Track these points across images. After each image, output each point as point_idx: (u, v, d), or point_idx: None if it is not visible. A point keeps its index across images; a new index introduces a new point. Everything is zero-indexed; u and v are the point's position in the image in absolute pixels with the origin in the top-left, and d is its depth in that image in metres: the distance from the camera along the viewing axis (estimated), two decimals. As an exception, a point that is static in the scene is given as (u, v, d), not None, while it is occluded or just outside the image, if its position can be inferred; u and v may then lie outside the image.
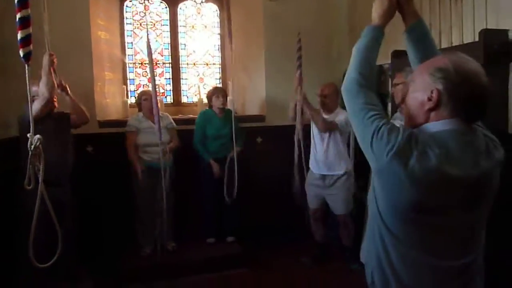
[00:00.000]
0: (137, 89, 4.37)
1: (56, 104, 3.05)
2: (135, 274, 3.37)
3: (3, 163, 3.03)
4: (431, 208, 1.21)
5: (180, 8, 4.51)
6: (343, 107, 2.59)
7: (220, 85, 4.50)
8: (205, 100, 4.07)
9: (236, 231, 3.87)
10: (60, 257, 1.87)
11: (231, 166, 3.67)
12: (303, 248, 3.83)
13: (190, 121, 3.96)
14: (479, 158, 1.21)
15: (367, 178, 2.86)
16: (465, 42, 2.78)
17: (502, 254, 2.20)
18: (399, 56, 3.11)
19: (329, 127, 3.43)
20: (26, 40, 1.58)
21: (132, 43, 4.38)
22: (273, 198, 3.97)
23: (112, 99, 4.15)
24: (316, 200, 3.65)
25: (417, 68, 1.34)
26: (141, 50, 4.38)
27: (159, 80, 4.49)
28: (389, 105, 3.61)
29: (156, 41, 4.46)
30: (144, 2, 4.35)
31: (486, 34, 2.43)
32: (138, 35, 4.39)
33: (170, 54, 4.50)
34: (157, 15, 4.45)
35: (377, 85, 3.81)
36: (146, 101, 3.61)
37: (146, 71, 4.39)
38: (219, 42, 4.64)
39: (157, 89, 4.36)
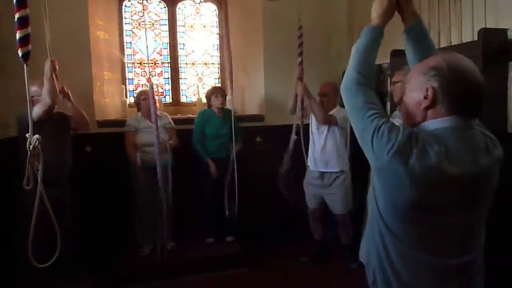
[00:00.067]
0: (136, 89, 4.36)
1: (55, 106, 3.05)
2: (135, 274, 3.37)
3: (1, 163, 3.03)
4: (431, 206, 1.21)
5: (179, 8, 4.51)
6: (342, 106, 2.59)
7: (219, 85, 4.50)
8: (204, 100, 4.07)
9: (235, 230, 3.87)
10: (59, 257, 1.87)
11: (232, 174, 3.62)
12: (302, 247, 3.84)
13: (189, 121, 3.95)
14: (478, 155, 1.21)
15: (366, 177, 2.87)
16: (464, 41, 2.78)
17: (502, 254, 2.21)
18: (398, 55, 3.11)
19: (328, 120, 3.43)
20: (24, 40, 1.57)
21: (131, 43, 4.37)
22: (272, 197, 3.96)
23: (111, 99, 4.15)
24: (315, 199, 3.66)
25: (411, 70, 1.35)
26: (140, 50, 4.38)
27: (158, 80, 4.49)
28: (388, 104, 3.61)
29: (155, 40, 4.46)
30: (142, 2, 4.34)
31: (485, 33, 2.44)
32: (136, 35, 4.38)
33: (169, 54, 4.50)
34: (155, 14, 4.45)
35: (376, 84, 3.82)
36: (144, 101, 3.60)
37: (145, 71, 4.39)
38: (218, 42, 4.64)
39: (156, 89, 4.39)
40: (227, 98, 3.96)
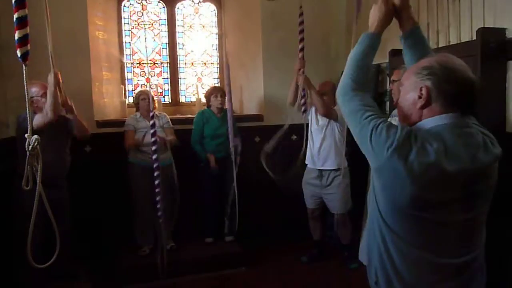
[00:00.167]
0: (135, 89, 4.36)
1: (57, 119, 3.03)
2: (134, 274, 3.36)
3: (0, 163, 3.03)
4: (431, 204, 1.21)
5: (178, 8, 4.51)
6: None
7: (218, 85, 4.49)
8: (204, 100, 4.07)
9: (235, 230, 3.87)
10: (56, 257, 1.88)
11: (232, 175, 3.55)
12: (302, 247, 3.83)
13: (188, 121, 3.95)
14: (477, 152, 1.22)
15: (365, 177, 2.86)
16: (462, 41, 2.79)
17: (502, 254, 2.21)
18: (396, 55, 3.11)
19: (329, 112, 3.42)
20: (23, 40, 1.58)
21: (130, 43, 4.36)
22: (272, 197, 3.97)
23: (110, 99, 4.14)
24: (314, 199, 3.66)
25: (405, 73, 1.36)
26: (139, 50, 4.38)
27: (157, 80, 4.49)
28: (387, 104, 3.61)
29: (154, 40, 4.46)
30: (141, 2, 4.34)
31: (483, 32, 2.44)
32: (136, 35, 4.38)
33: (168, 53, 4.49)
34: (154, 14, 4.44)
35: (375, 84, 3.82)
36: (143, 101, 3.60)
37: (144, 71, 4.39)
38: (217, 42, 4.64)
39: (155, 89, 4.39)
40: (227, 98, 3.95)
